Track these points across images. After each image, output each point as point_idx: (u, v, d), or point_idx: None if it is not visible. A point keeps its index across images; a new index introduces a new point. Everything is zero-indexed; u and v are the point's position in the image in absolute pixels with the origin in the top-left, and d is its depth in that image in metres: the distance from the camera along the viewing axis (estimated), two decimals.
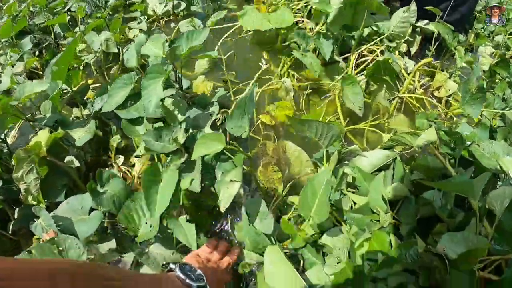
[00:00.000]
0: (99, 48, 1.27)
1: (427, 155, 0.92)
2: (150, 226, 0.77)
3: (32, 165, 0.87)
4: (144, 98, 0.91)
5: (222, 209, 0.72)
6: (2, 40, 1.51)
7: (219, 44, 1.27)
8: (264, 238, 0.78)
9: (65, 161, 0.93)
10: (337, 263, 0.83)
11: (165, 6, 1.45)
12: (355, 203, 0.92)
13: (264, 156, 1.02)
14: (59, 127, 0.97)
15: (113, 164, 0.97)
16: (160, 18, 1.52)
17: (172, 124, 0.87)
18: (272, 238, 0.79)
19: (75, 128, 1.00)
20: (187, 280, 0.62)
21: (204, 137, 0.79)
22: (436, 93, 1.37)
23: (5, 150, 0.99)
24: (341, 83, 1.12)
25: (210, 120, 0.92)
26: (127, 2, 1.60)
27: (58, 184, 0.92)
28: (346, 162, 0.99)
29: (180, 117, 0.90)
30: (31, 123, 1.03)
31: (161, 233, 0.81)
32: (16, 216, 0.96)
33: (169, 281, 0.61)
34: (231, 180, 0.76)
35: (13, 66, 1.38)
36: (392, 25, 1.25)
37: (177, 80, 1.01)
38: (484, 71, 1.58)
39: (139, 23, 1.39)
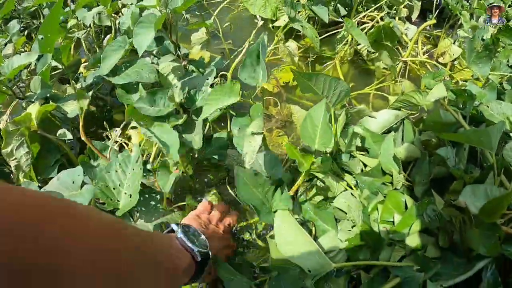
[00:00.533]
0: (90, 23, 1.21)
1: (439, 111, 0.86)
2: (130, 196, 0.70)
3: (22, 139, 0.81)
4: (135, 43, 0.85)
5: (247, 165, 0.66)
6: None
7: (215, 14, 1.22)
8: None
9: (57, 134, 0.86)
10: (352, 227, 0.78)
11: None
12: (365, 166, 0.87)
13: (267, 121, 0.97)
14: (50, 101, 0.91)
15: (109, 136, 0.91)
16: None
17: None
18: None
19: (67, 102, 0.94)
20: (189, 243, 0.55)
21: (216, 91, 0.74)
22: (440, 59, 1.32)
23: None
24: (345, 27, 1.08)
25: (209, 82, 0.86)
26: None
27: (51, 159, 0.86)
28: (353, 126, 0.93)
29: (176, 82, 0.84)
30: (21, 100, 0.97)
31: (144, 206, 0.74)
32: None
33: (173, 241, 0.55)
34: (252, 133, 0.69)
35: (1, 50, 1.31)
36: None
37: (174, 45, 0.94)
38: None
39: None
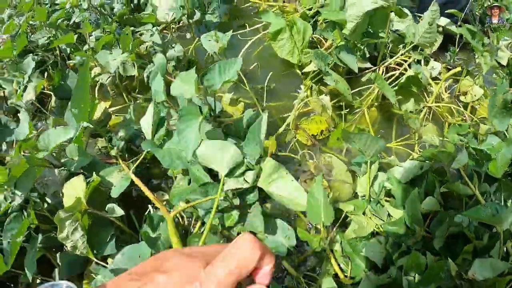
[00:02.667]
0: (115, 70, 1.16)
1: (459, 183, 0.94)
2: None
3: (77, 224, 0.81)
4: (181, 143, 0.85)
5: None
6: (5, 61, 1.36)
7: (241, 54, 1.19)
8: None
9: (106, 209, 0.87)
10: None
11: (177, 14, 1.30)
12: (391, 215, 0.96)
13: (302, 173, 1.03)
14: (93, 172, 0.90)
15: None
16: (171, 26, 1.39)
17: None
18: None
19: (110, 173, 0.93)
20: None
21: None
22: (462, 98, 1.34)
23: (38, 201, 0.92)
24: (374, 81, 1.13)
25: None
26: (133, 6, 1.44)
27: (105, 235, 0.88)
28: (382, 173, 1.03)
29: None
30: (60, 169, 0.96)
31: None
32: (59, 262, 0.92)
33: None
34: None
35: (21, 94, 1.26)
36: (418, 34, 1.18)
37: (211, 112, 0.93)
38: (501, 64, 1.53)
39: (151, 35, 1.26)
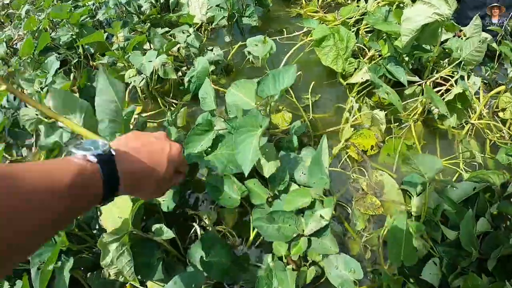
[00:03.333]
0: (152, 73, 1.08)
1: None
2: None
3: (124, 248, 0.72)
4: (238, 157, 0.77)
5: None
6: (23, 59, 1.25)
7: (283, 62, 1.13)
8: None
9: (153, 230, 0.79)
10: None
11: (218, 15, 1.23)
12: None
13: (357, 192, 0.99)
14: None
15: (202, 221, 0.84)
16: (204, 28, 1.31)
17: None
18: None
19: None
20: (79, 152, 0.41)
21: (292, 193, 0.83)
22: (500, 114, 1.31)
23: None
24: (424, 94, 1.11)
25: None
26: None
27: (151, 258, 0.78)
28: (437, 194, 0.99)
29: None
30: None
31: None
32: (90, 284, 0.83)
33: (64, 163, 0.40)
34: (320, 215, 0.77)
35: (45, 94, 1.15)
36: (466, 51, 1.15)
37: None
38: None
39: (188, 36, 1.18)
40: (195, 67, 1.12)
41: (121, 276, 0.78)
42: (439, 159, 0.91)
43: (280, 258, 0.82)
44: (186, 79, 1.08)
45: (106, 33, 1.23)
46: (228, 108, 0.93)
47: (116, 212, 0.81)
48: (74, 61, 1.29)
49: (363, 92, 1.19)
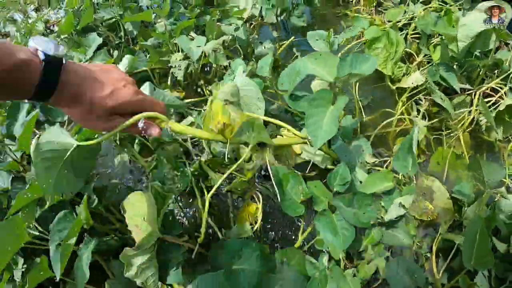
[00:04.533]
0: (199, 59, 1.03)
1: None
2: None
3: (150, 264, 0.66)
4: (309, 129, 0.74)
5: None
6: (62, 37, 1.20)
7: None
8: None
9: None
10: None
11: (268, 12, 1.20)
12: None
13: None
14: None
15: None
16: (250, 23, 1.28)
17: None
18: None
19: None
20: (33, 45, 0.44)
21: (373, 175, 0.82)
22: None
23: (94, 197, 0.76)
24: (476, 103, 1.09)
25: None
26: None
27: (173, 263, 0.72)
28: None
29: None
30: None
31: None
32: (113, 271, 0.78)
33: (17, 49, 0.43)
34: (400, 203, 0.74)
35: None
36: None
37: None
38: None
39: (236, 29, 1.14)
40: (233, 70, 1.06)
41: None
42: (503, 169, 0.87)
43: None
44: (225, 82, 1.03)
45: (155, 14, 1.20)
46: (281, 81, 0.89)
47: (140, 211, 0.71)
48: (116, 43, 1.25)
49: (412, 98, 1.16)
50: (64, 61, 0.45)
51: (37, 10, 2.09)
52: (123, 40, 1.26)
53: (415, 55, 1.24)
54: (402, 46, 1.21)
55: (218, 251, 0.71)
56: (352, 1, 1.66)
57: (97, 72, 0.49)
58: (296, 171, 0.81)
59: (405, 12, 1.35)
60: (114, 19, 1.27)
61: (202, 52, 1.06)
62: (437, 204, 1.02)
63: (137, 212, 0.69)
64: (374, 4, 1.56)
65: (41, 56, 0.44)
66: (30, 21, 1.67)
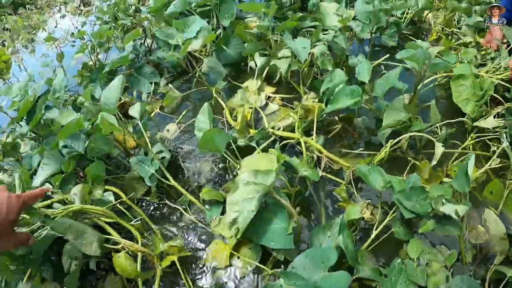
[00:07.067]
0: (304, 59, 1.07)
1: None
2: None
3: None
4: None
5: None
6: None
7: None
8: None
9: None
10: None
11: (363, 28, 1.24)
12: None
13: None
14: None
15: None
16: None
17: None
18: None
19: None
20: None
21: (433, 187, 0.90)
22: None
23: None
24: None
25: None
26: None
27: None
28: None
29: None
30: None
31: None
32: None
33: None
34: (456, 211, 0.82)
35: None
36: None
37: None
38: None
39: (335, 36, 1.19)
40: (332, 79, 1.05)
41: None
42: None
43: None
44: (322, 88, 1.04)
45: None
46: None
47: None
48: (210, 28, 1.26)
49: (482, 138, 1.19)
50: None
51: None
52: (215, 26, 1.28)
53: (501, 99, 1.24)
54: (491, 92, 1.22)
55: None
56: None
57: None
58: None
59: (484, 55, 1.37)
60: (209, 8, 1.28)
61: (310, 53, 1.10)
62: (494, 235, 1.08)
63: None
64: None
65: None
66: None
